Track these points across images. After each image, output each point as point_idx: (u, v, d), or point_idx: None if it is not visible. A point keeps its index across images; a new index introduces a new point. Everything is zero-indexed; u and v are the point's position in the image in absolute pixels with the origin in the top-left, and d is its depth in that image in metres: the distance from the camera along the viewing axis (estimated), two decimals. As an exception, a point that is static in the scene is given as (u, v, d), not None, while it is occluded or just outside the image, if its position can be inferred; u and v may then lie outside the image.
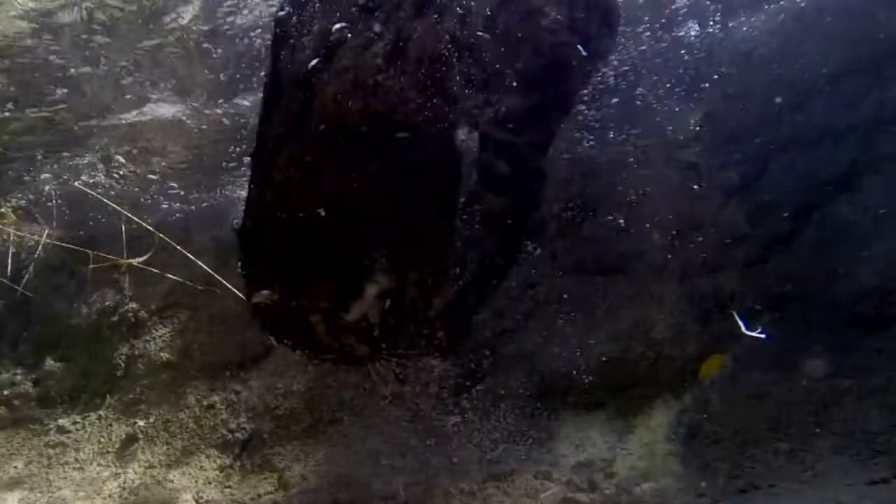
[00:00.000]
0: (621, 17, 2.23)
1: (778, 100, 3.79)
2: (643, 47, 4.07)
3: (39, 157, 6.02)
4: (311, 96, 2.00)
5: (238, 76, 5.12)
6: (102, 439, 5.00)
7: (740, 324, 3.46)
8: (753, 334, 3.43)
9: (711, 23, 4.07)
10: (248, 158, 2.12)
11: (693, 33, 4.06)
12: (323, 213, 1.99)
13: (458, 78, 2.05)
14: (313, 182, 1.96)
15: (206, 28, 5.06)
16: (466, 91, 2.08)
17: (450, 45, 2.00)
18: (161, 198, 5.78)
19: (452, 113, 2.12)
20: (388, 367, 2.31)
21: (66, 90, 5.46)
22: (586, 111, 4.07)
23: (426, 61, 2.02)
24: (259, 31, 4.74)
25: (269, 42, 2.29)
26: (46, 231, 5.73)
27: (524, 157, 2.17)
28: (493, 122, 2.10)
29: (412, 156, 2.06)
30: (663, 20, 4.07)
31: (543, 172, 2.26)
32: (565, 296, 4.20)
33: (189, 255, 4.90)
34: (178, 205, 5.66)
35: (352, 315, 2.11)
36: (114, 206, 5.28)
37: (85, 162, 6.01)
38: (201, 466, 4.60)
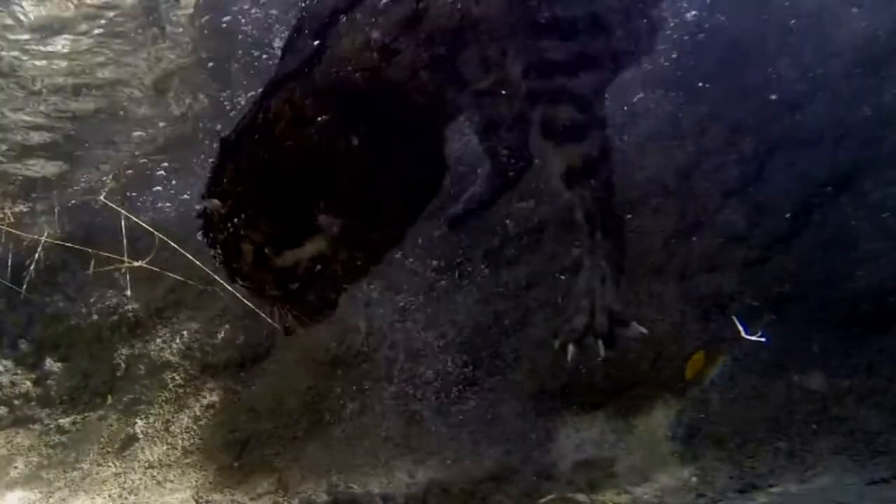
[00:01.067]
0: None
1: (773, 97, 3.79)
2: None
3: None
4: (324, 45, 1.99)
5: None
6: (102, 439, 5.00)
7: (740, 328, 3.47)
8: (753, 338, 3.44)
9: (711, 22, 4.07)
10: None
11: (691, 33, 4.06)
12: (299, 159, 1.99)
13: (476, 56, 1.98)
14: (301, 126, 1.95)
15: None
16: (485, 69, 2.00)
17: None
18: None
19: (456, 102, 2.09)
20: (285, 316, 2.32)
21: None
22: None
23: (442, 36, 1.96)
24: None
25: None
26: (46, 231, 5.73)
27: (583, 99, 2.07)
28: (539, 69, 2.00)
29: (399, 146, 2.03)
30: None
31: (604, 119, 2.15)
32: (564, 296, 4.20)
33: (189, 255, 4.91)
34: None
35: (281, 260, 2.12)
36: (114, 206, 5.29)
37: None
38: (201, 466, 4.60)
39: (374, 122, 1.96)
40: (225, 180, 2.09)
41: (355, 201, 2.03)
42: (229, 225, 2.06)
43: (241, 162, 2.05)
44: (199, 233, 2.25)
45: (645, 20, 2.19)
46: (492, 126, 2.27)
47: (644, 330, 2.25)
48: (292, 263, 2.10)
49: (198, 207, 2.22)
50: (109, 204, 5.34)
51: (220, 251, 2.17)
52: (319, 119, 1.93)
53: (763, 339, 3.43)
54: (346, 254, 2.11)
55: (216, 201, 2.06)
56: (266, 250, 2.07)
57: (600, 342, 2.27)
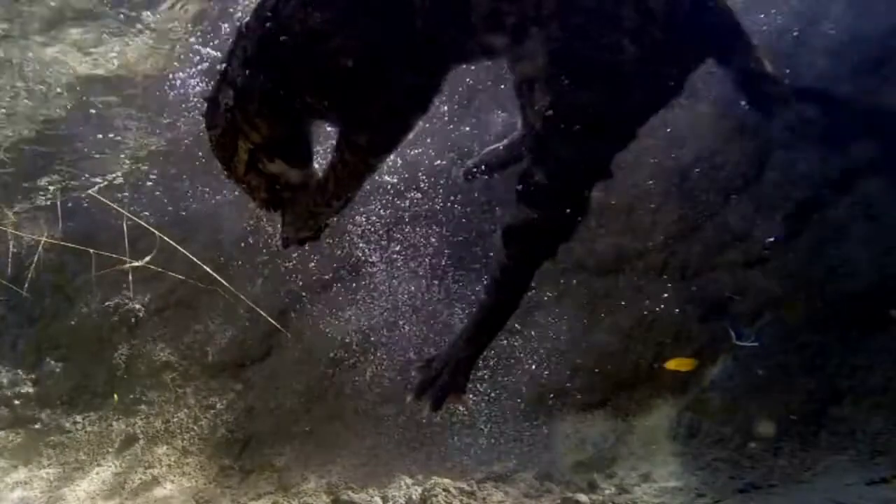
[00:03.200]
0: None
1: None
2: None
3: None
4: None
5: None
6: (102, 439, 5.00)
7: (732, 334, 3.47)
8: (746, 344, 3.45)
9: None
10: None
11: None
12: (314, 65, 1.89)
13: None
14: (324, 22, 1.83)
15: None
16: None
17: None
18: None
19: (464, 46, 1.97)
20: (285, 229, 2.26)
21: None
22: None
23: None
24: None
25: None
26: (46, 231, 5.73)
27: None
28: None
29: (396, 66, 1.88)
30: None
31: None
32: (565, 295, 4.20)
33: (189, 255, 4.91)
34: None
35: (271, 168, 2.08)
36: (114, 206, 5.29)
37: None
38: (201, 466, 4.60)
39: (372, 39, 1.87)
40: (238, 72, 1.98)
41: (348, 114, 1.97)
42: (229, 118, 1.98)
43: (258, 57, 1.95)
44: (202, 116, 2.15)
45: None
46: (526, 83, 2.15)
47: (463, 409, 2.16)
48: (281, 173, 2.05)
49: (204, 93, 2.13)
50: (109, 203, 5.35)
51: (215, 140, 2.08)
52: (337, 15, 1.85)
53: (755, 344, 3.44)
54: (337, 168, 2.03)
55: (221, 93, 1.97)
56: (259, 153, 2.04)
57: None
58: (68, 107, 5.58)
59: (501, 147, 2.53)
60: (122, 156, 6.10)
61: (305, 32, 1.86)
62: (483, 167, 2.57)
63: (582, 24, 1.77)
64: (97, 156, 6.08)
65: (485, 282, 2.19)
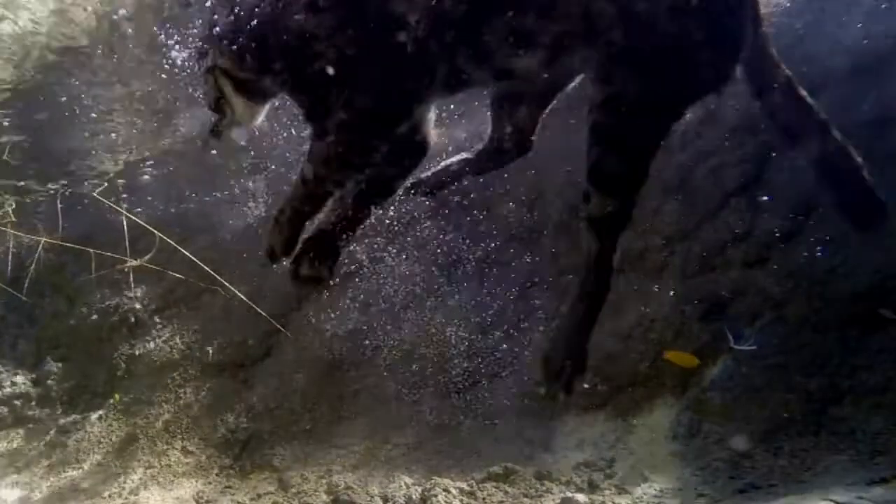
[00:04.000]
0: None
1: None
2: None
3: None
4: None
5: None
6: (102, 439, 5.00)
7: (729, 337, 3.47)
8: (743, 348, 3.45)
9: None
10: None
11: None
12: (294, 61, 1.91)
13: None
14: (313, 25, 1.82)
15: None
16: None
17: None
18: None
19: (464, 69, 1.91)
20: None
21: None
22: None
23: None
24: None
25: None
26: (46, 232, 5.73)
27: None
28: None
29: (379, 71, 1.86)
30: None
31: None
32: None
33: (189, 254, 4.91)
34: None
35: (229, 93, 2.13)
36: (114, 206, 5.29)
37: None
38: (201, 466, 4.60)
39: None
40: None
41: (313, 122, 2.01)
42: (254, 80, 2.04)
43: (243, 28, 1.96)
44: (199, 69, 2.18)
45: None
46: (508, 98, 2.17)
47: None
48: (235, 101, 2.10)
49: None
50: (109, 203, 5.35)
51: (210, 78, 2.12)
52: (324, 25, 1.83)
53: (753, 348, 3.44)
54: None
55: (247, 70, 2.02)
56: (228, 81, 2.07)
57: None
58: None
59: (456, 161, 2.52)
60: (122, 156, 6.10)
61: (293, 30, 1.88)
62: (432, 183, 2.55)
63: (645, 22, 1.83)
64: (97, 156, 6.09)
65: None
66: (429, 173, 2.53)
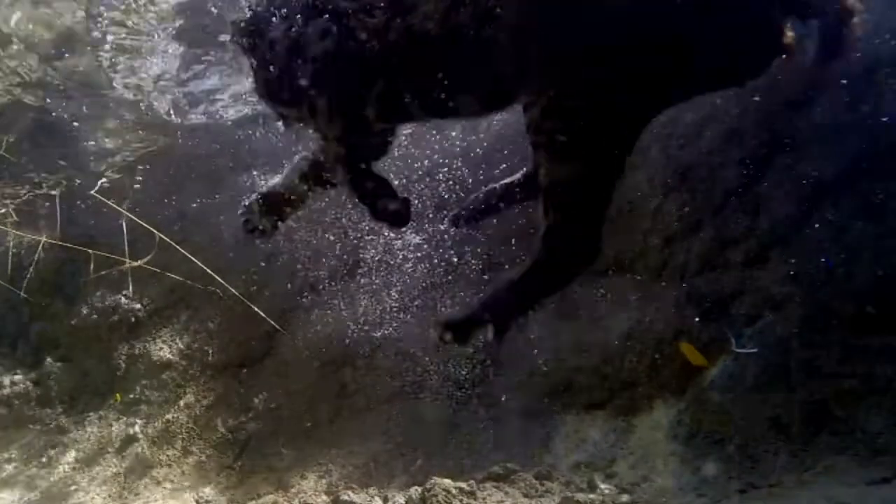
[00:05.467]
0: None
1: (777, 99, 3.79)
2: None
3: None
4: None
5: None
6: (102, 439, 5.00)
7: (732, 340, 3.47)
8: (744, 351, 3.45)
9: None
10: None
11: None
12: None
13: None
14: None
15: None
16: None
17: None
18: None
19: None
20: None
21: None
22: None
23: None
24: None
25: None
26: (46, 231, 5.73)
27: None
28: None
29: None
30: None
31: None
32: (565, 295, 4.20)
33: (189, 255, 4.91)
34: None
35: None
36: (114, 206, 5.29)
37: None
38: (201, 466, 4.60)
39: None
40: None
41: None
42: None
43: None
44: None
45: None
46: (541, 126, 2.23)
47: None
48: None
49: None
50: (109, 203, 5.35)
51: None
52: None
53: (755, 350, 3.44)
54: None
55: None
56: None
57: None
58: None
59: (496, 189, 2.54)
60: (122, 156, 6.10)
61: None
62: (478, 212, 2.58)
63: None
64: (97, 156, 6.09)
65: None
66: (468, 205, 2.57)
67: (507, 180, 2.54)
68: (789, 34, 2.05)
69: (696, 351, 3.58)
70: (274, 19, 2.20)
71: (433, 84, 2.03)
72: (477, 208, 2.56)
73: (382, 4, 2.00)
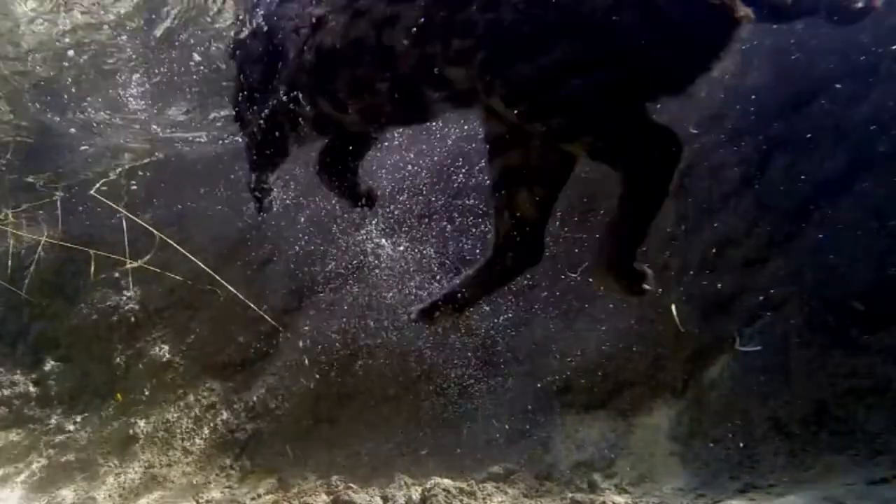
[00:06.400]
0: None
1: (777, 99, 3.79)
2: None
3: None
4: None
5: None
6: (102, 439, 5.00)
7: (736, 338, 3.48)
8: (748, 349, 3.45)
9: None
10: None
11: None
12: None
13: None
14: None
15: None
16: None
17: None
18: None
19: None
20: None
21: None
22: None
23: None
24: None
25: None
26: (46, 231, 5.73)
27: None
28: None
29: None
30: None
31: None
32: (565, 295, 4.20)
33: (189, 254, 4.91)
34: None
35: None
36: (114, 206, 5.29)
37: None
38: (201, 466, 4.60)
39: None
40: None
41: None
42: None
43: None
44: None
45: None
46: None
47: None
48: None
49: None
50: (109, 203, 5.35)
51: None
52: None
53: (758, 349, 3.44)
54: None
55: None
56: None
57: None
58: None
59: (463, 277, 2.51)
60: (122, 156, 6.10)
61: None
62: (440, 304, 2.54)
63: None
64: (97, 156, 6.08)
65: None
66: (428, 301, 2.51)
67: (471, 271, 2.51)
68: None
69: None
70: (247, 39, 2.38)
71: (351, 95, 2.11)
72: (437, 301, 2.49)
73: (302, 25, 2.14)
